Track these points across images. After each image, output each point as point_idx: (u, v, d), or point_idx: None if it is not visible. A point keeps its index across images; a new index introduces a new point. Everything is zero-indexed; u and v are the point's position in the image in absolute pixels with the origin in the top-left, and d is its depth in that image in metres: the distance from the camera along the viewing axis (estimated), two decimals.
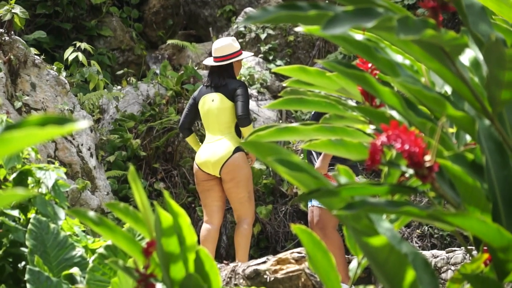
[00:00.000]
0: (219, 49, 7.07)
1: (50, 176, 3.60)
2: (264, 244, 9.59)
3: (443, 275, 6.66)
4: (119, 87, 10.65)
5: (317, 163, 6.62)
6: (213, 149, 6.92)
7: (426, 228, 9.06)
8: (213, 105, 6.98)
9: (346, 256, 7.72)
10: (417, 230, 9.12)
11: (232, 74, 7.06)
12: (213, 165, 6.89)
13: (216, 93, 7.00)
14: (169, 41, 12.52)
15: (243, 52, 7.17)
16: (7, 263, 3.31)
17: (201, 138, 9.37)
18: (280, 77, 11.24)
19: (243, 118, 6.78)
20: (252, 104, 10.38)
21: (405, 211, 1.54)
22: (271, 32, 11.99)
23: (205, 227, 6.99)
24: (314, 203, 6.84)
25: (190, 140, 7.23)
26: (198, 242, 5.27)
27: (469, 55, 1.82)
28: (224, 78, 7.03)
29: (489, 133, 1.67)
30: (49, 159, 7.82)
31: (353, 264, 1.96)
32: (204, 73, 10.76)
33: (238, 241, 6.91)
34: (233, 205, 6.99)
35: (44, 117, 1.25)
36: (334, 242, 6.63)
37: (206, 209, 7.03)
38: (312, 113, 6.72)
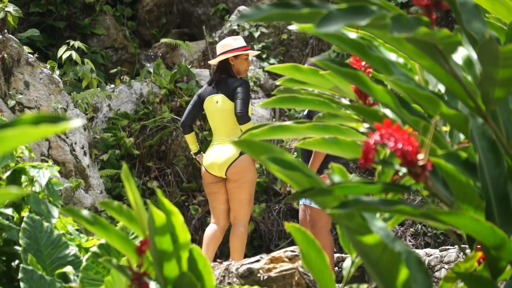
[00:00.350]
0: (217, 47, 7.13)
1: (44, 174, 3.60)
2: (257, 243, 9.59)
3: (437, 274, 6.67)
4: (112, 85, 10.63)
5: (309, 163, 6.63)
6: (219, 151, 6.92)
7: (420, 226, 9.08)
8: (218, 107, 6.98)
9: (340, 255, 7.74)
10: (411, 229, 9.13)
11: (229, 72, 7.04)
12: (219, 167, 6.89)
13: (219, 94, 6.99)
14: (163, 40, 12.50)
15: (249, 50, 7.13)
16: (0, 261, 3.30)
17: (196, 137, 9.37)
18: (274, 76, 11.24)
19: (241, 116, 6.76)
20: None
21: (399, 210, 1.54)
22: (264, 30, 11.98)
23: (211, 226, 7.02)
24: (305, 201, 6.85)
25: (189, 138, 7.22)
26: (192, 241, 5.27)
27: (462, 54, 1.82)
28: (219, 74, 7.04)
29: (482, 131, 1.67)
30: (42, 157, 7.81)
31: (347, 263, 1.96)
32: (197, 71, 10.76)
33: (233, 243, 6.89)
34: (232, 205, 6.97)
35: (38, 116, 1.25)
36: (323, 241, 6.62)
37: (213, 211, 7.06)
38: (305, 111, 6.72)
